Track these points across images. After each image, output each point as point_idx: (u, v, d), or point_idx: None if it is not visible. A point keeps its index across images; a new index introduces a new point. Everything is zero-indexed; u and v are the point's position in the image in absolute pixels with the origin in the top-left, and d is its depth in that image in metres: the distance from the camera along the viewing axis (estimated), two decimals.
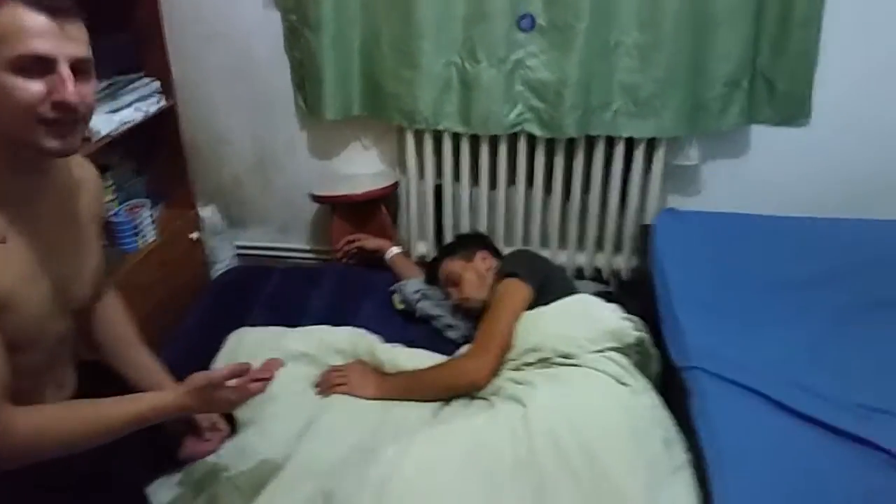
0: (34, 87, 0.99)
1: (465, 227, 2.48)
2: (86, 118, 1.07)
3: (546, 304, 1.69)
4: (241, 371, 1.23)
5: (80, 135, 1.08)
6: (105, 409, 1.14)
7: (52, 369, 1.25)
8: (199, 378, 1.20)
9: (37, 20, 0.98)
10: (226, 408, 1.31)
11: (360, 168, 2.56)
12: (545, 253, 2.46)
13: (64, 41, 1.00)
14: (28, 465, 1.08)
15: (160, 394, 1.24)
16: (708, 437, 1.42)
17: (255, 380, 1.24)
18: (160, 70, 2.13)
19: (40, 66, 0.99)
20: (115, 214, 2.04)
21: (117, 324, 1.47)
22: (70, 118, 1.03)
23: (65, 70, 1.00)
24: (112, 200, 2.05)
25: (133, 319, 1.51)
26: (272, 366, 1.27)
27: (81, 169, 1.29)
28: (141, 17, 2.08)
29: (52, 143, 1.03)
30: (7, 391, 1.04)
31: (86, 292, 1.28)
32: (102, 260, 1.34)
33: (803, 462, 1.35)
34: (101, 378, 1.40)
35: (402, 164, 2.47)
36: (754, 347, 1.64)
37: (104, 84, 1.93)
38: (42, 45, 0.98)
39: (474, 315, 1.91)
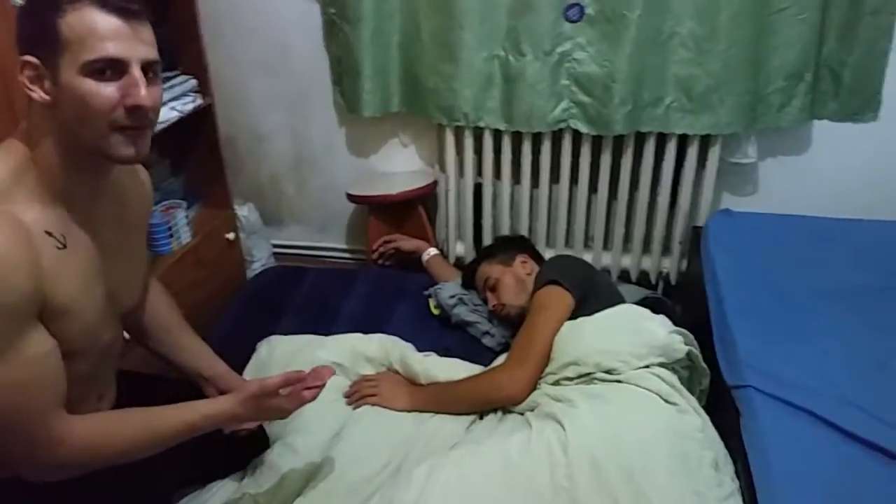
0: (107, 91, 0.97)
1: (504, 228, 2.39)
2: (153, 123, 1.05)
3: (589, 313, 1.60)
4: (295, 379, 1.21)
5: (149, 140, 1.05)
6: (158, 416, 1.14)
7: (95, 379, 1.22)
8: (252, 386, 1.19)
9: (109, 22, 0.96)
10: (278, 415, 1.28)
11: (399, 166, 2.49)
12: (588, 255, 2.38)
13: (135, 43, 0.98)
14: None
15: (213, 402, 1.23)
16: (759, 463, 1.32)
17: (308, 388, 1.23)
18: (196, 67, 2.09)
19: (113, 69, 0.97)
20: (150, 216, 2.01)
21: (163, 311, 1.44)
22: (141, 123, 1.01)
23: (137, 72, 0.98)
24: None
25: (177, 305, 1.50)
26: (324, 374, 1.26)
27: (134, 170, 1.26)
28: (177, 13, 2.03)
29: (125, 151, 1.01)
30: (63, 399, 1.04)
31: (135, 297, 1.28)
32: (148, 261, 1.34)
33: (860, 490, 1.24)
34: (141, 389, 1.37)
35: (441, 162, 2.39)
36: (811, 364, 1.53)
37: None
38: (115, 48, 0.96)
39: (512, 322, 1.83)
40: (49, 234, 0.99)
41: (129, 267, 1.22)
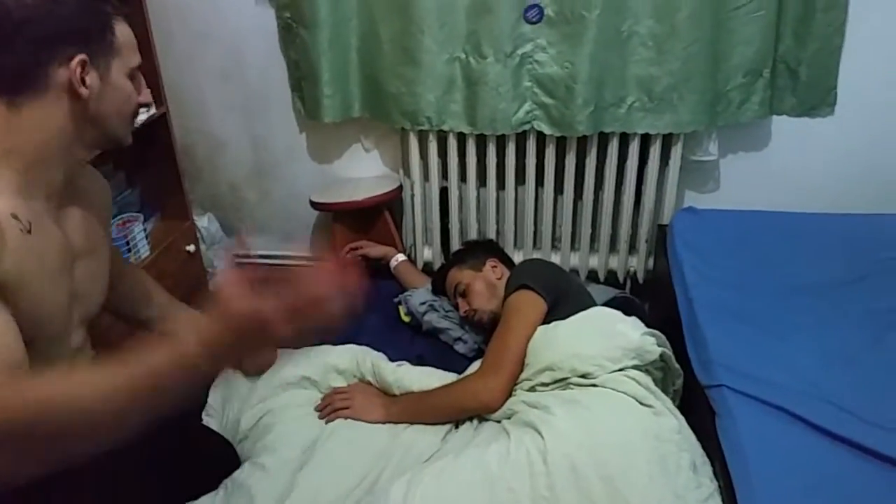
0: (135, 90, 1.12)
1: (472, 231, 2.37)
2: None
3: (562, 317, 1.58)
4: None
5: None
6: (122, 364, 0.85)
7: None
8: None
9: (132, 34, 1.12)
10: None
11: (362, 172, 2.46)
12: (556, 256, 2.38)
13: None
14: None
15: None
16: (737, 463, 1.32)
17: None
18: (149, 75, 2.01)
19: (137, 72, 1.13)
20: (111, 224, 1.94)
21: (157, 292, 1.48)
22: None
23: (141, 76, 1.15)
24: None
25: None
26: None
27: (95, 176, 1.30)
28: (126, 19, 1.96)
29: (129, 137, 1.16)
30: (10, 368, 0.89)
31: (100, 300, 1.23)
32: (114, 258, 1.33)
33: (838, 487, 1.25)
34: None
35: (405, 166, 2.36)
36: (783, 360, 1.54)
37: None
38: (139, 56, 1.13)
39: (485, 328, 1.82)
40: (14, 217, 0.97)
41: (96, 271, 1.21)
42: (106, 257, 1.26)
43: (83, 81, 1.01)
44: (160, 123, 2.07)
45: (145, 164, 2.17)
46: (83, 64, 1.00)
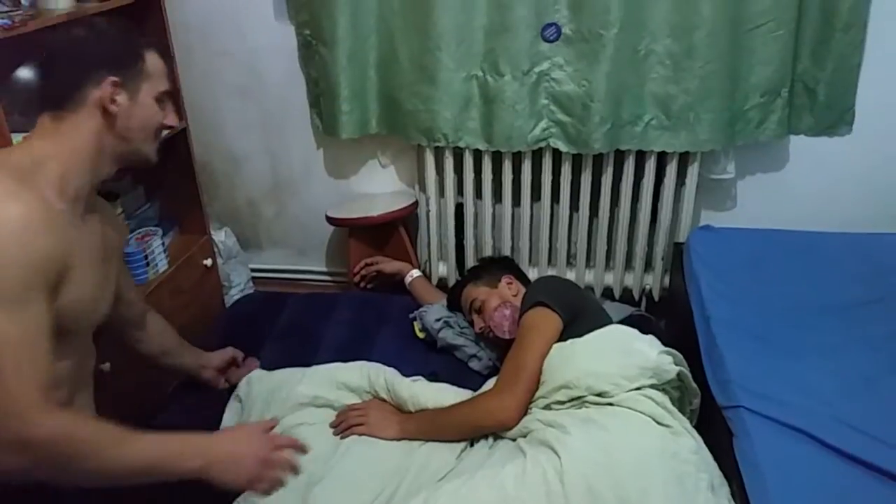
0: (162, 113, 1.27)
1: (487, 248, 2.38)
2: None
3: (578, 335, 1.58)
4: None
5: None
6: (138, 435, 1.11)
7: (69, 376, 1.24)
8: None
9: (163, 64, 1.27)
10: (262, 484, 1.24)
11: (378, 187, 2.47)
12: (571, 273, 2.37)
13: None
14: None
15: (193, 435, 1.21)
16: (755, 485, 1.31)
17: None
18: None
19: (166, 96, 1.28)
20: (126, 244, 1.95)
21: (166, 335, 1.67)
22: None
23: (170, 102, 1.31)
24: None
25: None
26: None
27: (108, 204, 1.46)
28: (149, 36, 1.98)
29: (155, 155, 1.31)
30: (40, 383, 1.04)
31: (107, 311, 1.34)
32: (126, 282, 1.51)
33: None
34: None
35: (421, 182, 2.38)
36: (803, 381, 1.52)
37: None
38: (169, 83, 1.29)
39: (500, 345, 1.81)
40: (64, 212, 1.14)
41: (106, 283, 1.31)
42: (114, 278, 1.38)
43: (114, 100, 1.17)
44: (180, 139, 2.10)
45: (164, 179, 2.19)
46: (115, 84, 1.17)
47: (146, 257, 1.96)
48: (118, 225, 1.46)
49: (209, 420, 1.70)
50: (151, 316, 1.65)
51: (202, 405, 1.73)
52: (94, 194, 1.29)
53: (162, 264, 2.04)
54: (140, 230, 2.03)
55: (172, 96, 1.30)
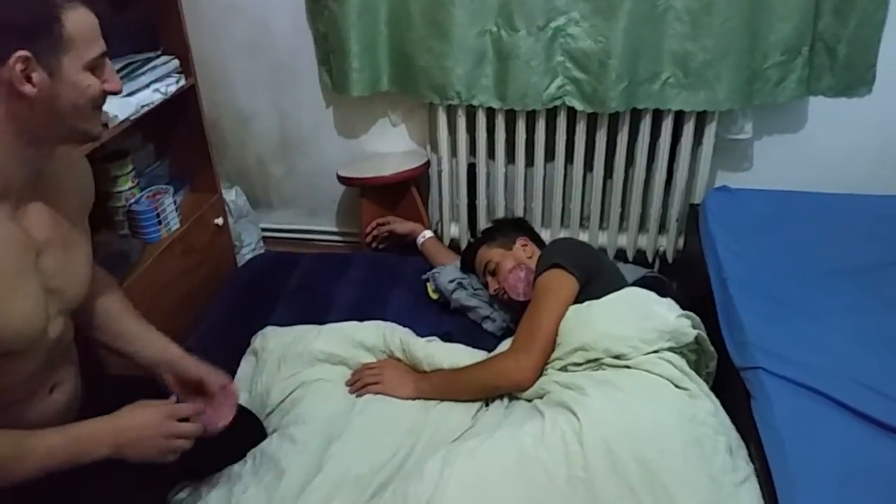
0: (97, 81, 1.04)
1: (499, 209, 2.36)
2: None
3: (594, 297, 1.57)
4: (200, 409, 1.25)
5: None
6: (32, 434, 1.05)
7: (45, 373, 1.17)
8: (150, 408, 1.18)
9: (94, 20, 1.02)
10: (171, 448, 1.18)
11: (390, 147, 2.44)
12: (584, 234, 2.36)
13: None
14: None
15: (85, 423, 1.13)
16: (773, 446, 1.31)
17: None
18: (178, 47, 2.00)
19: (100, 61, 1.04)
20: (137, 202, 1.94)
21: (110, 300, 1.37)
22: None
23: (109, 62, 1.07)
24: (133, 187, 1.96)
25: (124, 295, 1.43)
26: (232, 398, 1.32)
27: (71, 163, 1.22)
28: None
29: (99, 128, 1.11)
30: None
31: (82, 292, 1.20)
32: (91, 250, 1.26)
33: (876, 470, 1.24)
34: (114, 391, 1.32)
35: (433, 142, 2.35)
36: (820, 342, 1.52)
37: (121, 64, 1.81)
38: (102, 44, 1.04)
39: (514, 307, 1.80)
40: None
41: (70, 261, 1.16)
42: (83, 244, 1.22)
43: (29, 79, 0.96)
44: (189, 95, 2.05)
45: (174, 137, 2.15)
46: (25, 61, 0.94)
47: (158, 216, 1.94)
48: (81, 185, 1.24)
49: (224, 371, 1.70)
50: (108, 292, 1.38)
51: (217, 360, 1.74)
52: (37, 183, 1.09)
53: (174, 223, 2.02)
54: (151, 188, 2.01)
55: (107, 56, 1.05)
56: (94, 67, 1.02)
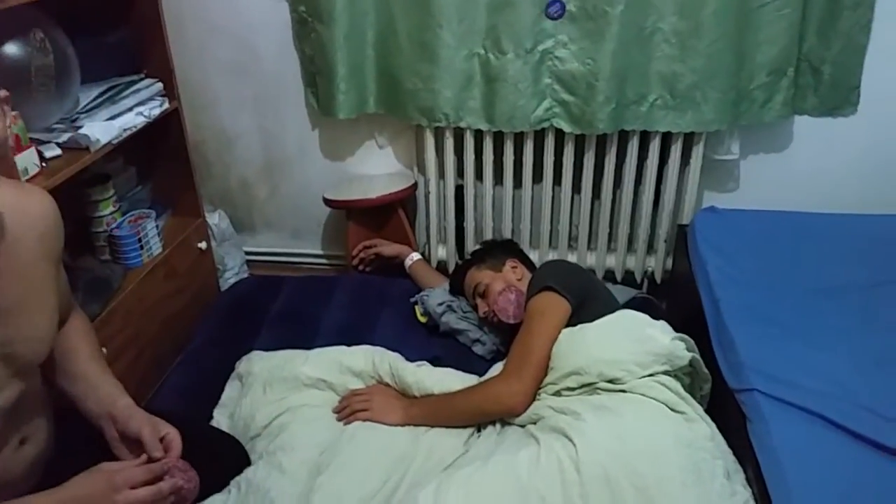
0: None
1: (487, 230, 2.34)
2: None
3: (587, 320, 1.55)
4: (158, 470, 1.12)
5: None
6: None
7: (9, 432, 1.09)
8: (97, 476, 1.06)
9: None
10: None
11: (376, 169, 2.42)
12: (573, 255, 2.35)
13: None
14: None
15: (39, 495, 1.04)
16: (771, 469, 1.30)
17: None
18: (162, 70, 1.98)
19: None
20: (119, 227, 1.91)
21: (67, 338, 1.26)
22: None
23: None
24: (115, 212, 1.92)
25: (93, 334, 1.33)
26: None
27: (24, 212, 1.08)
28: (140, 12, 1.91)
29: None
30: None
31: (42, 349, 1.11)
32: (59, 301, 1.16)
33: (875, 492, 1.22)
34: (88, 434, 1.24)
35: (420, 164, 2.33)
36: (814, 363, 1.50)
37: (103, 87, 1.79)
38: None
39: (504, 330, 1.78)
40: None
41: (26, 323, 1.06)
42: (45, 299, 1.12)
43: None
44: (172, 118, 2.03)
45: (157, 160, 2.13)
46: None
47: (140, 240, 1.91)
48: (40, 231, 1.11)
49: (206, 401, 1.66)
50: (70, 330, 1.28)
51: (199, 385, 1.69)
52: None
53: (156, 247, 1.98)
54: (133, 212, 1.97)
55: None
56: None
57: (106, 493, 1.04)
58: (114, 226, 1.90)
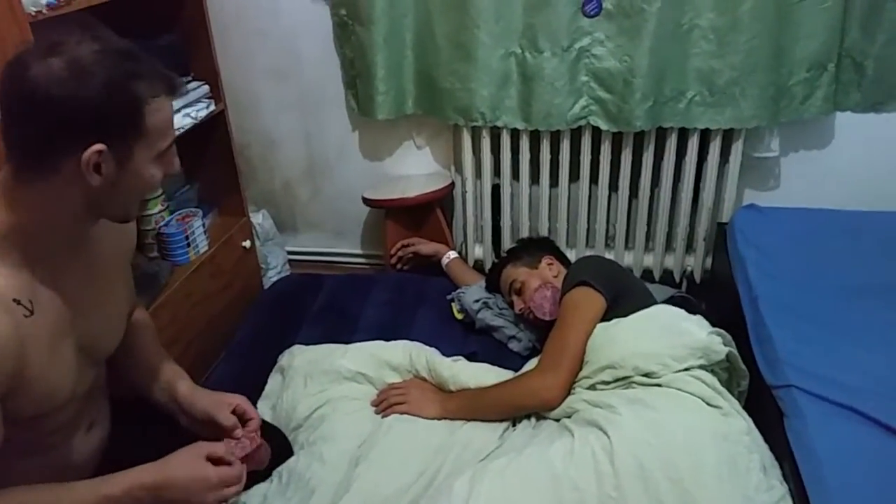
0: (160, 171, 1.01)
1: (524, 229, 2.35)
2: None
3: (623, 315, 1.55)
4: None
5: None
6: (73, 492, 1.01)
7: (81, 416, 1.17)
8: (176, 460, 1.09)
9: (171, 109, 1.00)
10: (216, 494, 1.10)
11: (414, 169, 2.46)
12: (610, 254, 2.35)
13: None
14: None
15: (129, 472, 1.06)
16: (809, 466, 1.28)
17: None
18: (208, 72, 2.04)
19: (168, 150, 1.01)
20: (167, 225, 1.97)
21: (145, 352, 1.33)
22: None
23: (173, 150, 1.03)
24: (163, 210, 1.99)
25: (156, 337, 1.40)
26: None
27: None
28: (187, 16, 1.99)
29: (135, 214, 1.09)
30: None
31: (113, 344, 1.20)
32: (131, 295, 1.25)
33: None
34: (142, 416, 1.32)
35: (457, 163, 2.36)
36: (852, 360, 1.49)
37: None
38: (174, 133, 1.01)
39: (539, 326, 1.79)
40: (17, 301, 0.95)
41: (104, 316, 1.15)
42: (120, 296, 1.21)
43: (98, 168, 0.93)
44: (219, 121, 2.10)
45: (204, 161, 2.19)
46: (99, 154, 0.92)
47: (187, 238, 1.97)
48: (121, 240, 1.22)
49: (250, 393, 1.71)
50: (135, 325, 1.34)
51: (243, 378, 1.74)
52: (78, 242, 1.08)
53: (202, 245, 2.05)
54: (181, 211, 2.04)
55: (174, 144, 1.03)
56: (161, 157, 0.99)
57: (202, 490, 1.08)
58: (162, 224, 1.96)
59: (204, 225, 2.06)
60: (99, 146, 0.91)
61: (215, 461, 1.11)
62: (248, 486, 1.43)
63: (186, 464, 1.08)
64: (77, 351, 1.08)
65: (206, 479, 1.08)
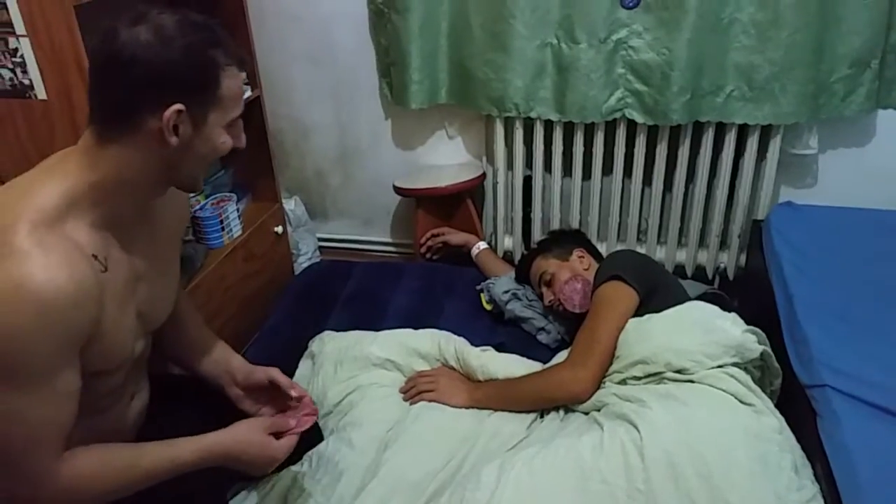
0: (228, 141, 1.07)
1: (555, 222, 2.35)
2: None
3: (655, 311, 1.54)
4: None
5: None
6: (147, 455, 1.10)
7: (127, 385, 1.22)
8: (254, 424, 1.22)
9: (242, 82, 1.07)
10: (273, 459, 1.22)
11: (446, 159, 2.46)
12: (642, 249, 2.33)
13: None
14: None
15: (200, 438, 1.16)
16: (842, 466, 1.27)
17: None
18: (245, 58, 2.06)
19: (238, 120, 1.08)
20: (202, 209, 2.00)
21: (180, 311, 1.38)
22: None
23: (241, 123, 1.09)
24: (199, 195, 2.02)
25: (199, 315, 1.47)
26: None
27: (173, 190, 1.25)
28: (225, 1, 2.00)
29: (201, 183, 1.14)
30: (64, 435, 1.01)
31: (167, 310, 1.26)
32: (178, 269, 1.32)
33: None
34: (172, 390, 1.38)
35: (489, 154, 2.35)
36: (888, 360, 1.46)
37: None
38: (243, 105, 1.08)
39: (569, 318, 1.79)
40: (95, 257, 1.01)
41: (160, 285, 1.21)
42: (174, 272, 1.29)
43: (175, 129, 0.99)
44: (254, 106, 2.11)
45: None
46: (179, 114, 0.98)
47: (221, 222, 2.00)
48: (178, 214, 1.29)
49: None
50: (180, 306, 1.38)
51: (273, 363, 1.76)
52: (144, 210, 1.14)
53: (236, 230, 2.07)
54: (216, 195, 2.07)
55: (243, 117, 1.09)
56: (231, 126, 1.06)
57: (266, 465, 1.21)
58: (197, 208, 1.99)
59: (238, 210, 2.09)
60: (179, 105, 0.97)
61: (276, 434, 1.22)
62: (278, 469, 1.46)
63: (255, 438, 1.19)
64: (137, 317, 1.14)
65: (274, 457, 1.20)
